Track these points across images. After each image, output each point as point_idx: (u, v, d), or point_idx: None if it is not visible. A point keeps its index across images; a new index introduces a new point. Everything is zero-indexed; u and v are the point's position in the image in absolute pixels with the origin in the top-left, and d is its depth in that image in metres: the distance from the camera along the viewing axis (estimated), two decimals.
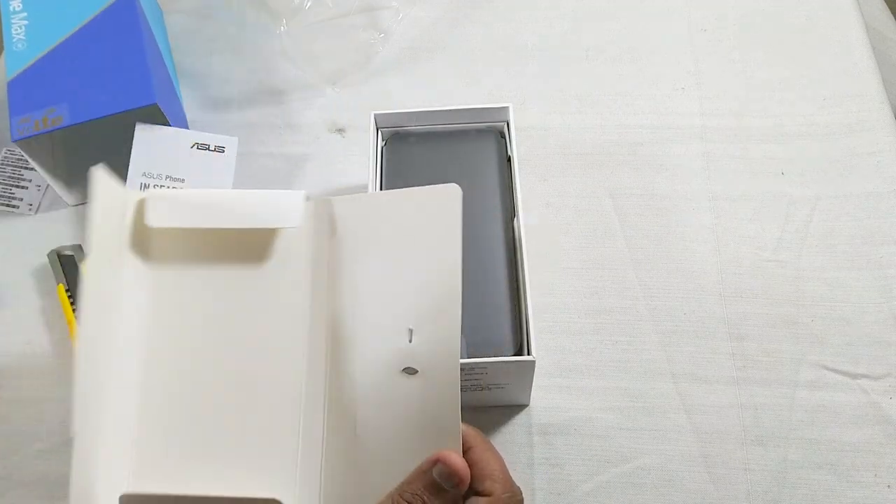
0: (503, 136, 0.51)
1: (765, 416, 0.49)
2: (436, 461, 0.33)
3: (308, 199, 0.39)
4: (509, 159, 0.50)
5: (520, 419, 0.50)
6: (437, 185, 0.37)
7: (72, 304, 0.52)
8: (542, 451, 0.49)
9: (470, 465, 0.34)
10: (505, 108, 0.50)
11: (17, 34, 0.56)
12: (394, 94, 0.64)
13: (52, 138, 0.59)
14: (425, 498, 0.33)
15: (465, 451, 0.35)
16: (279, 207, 0.38)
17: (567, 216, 0.57)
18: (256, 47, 0.67)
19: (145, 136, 0.54)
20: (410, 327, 0.36)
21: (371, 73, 0.65)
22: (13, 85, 0.54)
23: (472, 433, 0.36)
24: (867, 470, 0.47)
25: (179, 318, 0.37)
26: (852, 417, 0.49)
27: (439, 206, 0.37)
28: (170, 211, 0.37)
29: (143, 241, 0.37)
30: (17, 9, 0.57)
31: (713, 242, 0.55)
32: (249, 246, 0.38)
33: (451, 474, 0.33)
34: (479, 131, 0.51)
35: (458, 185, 0.37)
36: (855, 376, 0.50)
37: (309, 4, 0.64)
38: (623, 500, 0.47)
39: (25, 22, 0.57)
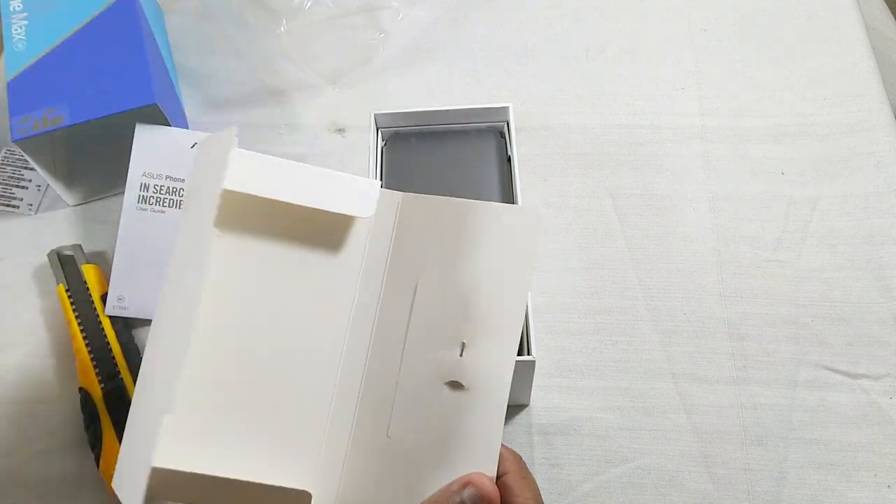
0: (503, 136, 0.51)
1: (765, 416, 0.49)
2: (467, 483, 0.32)
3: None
4: (509, 159, 0.50)
5: (520, 419, 0.50)
6: (518, 206, 0.37)
7: (72, 303, 0.52)
8: (542, 451, 0.49)
9: (502, 492, 0.33)
10: (505, 108, 0.50)
11: (18, 34, 0.56)
12: (394, 94, 0.64)
13: (52, 138, 0.59)
14: None
15: (499, 476, 0.34)
16: (354, 194, 0.37)
17: (567, 216, 0.57)
18: (256, 47, 0.67)
19: (145, 136, 0.54)
20: (464, 341, 0.35)
21: (371, 73, 0.65)
22: (13, 85, 0.54)
23: (509, 458, 0.35)
24: (867, 470, 0.47)
25: (228, 289, 0.36)
26: (852, 417, 0.49)
27: (517, 225, 0.36)
28: (247, 175, 0.35)
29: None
30: (17, 9, 0.57)
31: (713, 242, 0.55)
32: (313, 226, 0.37)
33: (480, 499, 0.32)
34: (479, 131, 0.51)
35: (538, 210, 0.36)
36: (855, 376, 0.50)
37: (309, 4, 0.64)
38: (623, 500, 0.47)
39: (25, 22, 0.57)
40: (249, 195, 0.35)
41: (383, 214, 0.38)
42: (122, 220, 0.53)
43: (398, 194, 0.38)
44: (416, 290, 0.37)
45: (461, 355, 0.35)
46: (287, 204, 0.35)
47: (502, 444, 0.34)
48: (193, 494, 0.33)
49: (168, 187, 0.54)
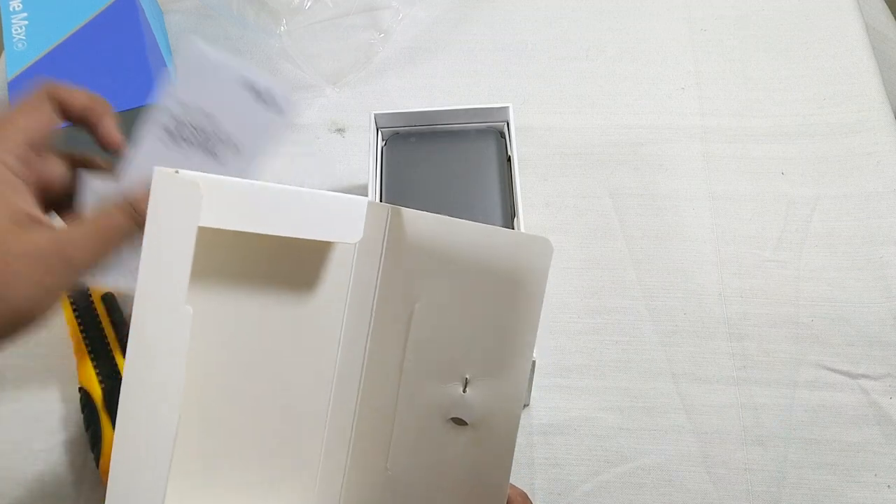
0: (503, 136, 0.51)
1: (765, 416, 0.49)
2: None
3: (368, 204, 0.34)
4: (509, 159, 0.50)
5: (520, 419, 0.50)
6: (528, 234, 0.33)
7: (72, 304, 0.52)
8: (542, 451, 0.49)
9: None
10: (505, 108, 0.50)
11: (18, 34, 0.56)
12: (394, 94, 0.64)
13: (53, 138, 0.59)
14: None
15: None
16: (338, 216, 0.33)
17: (567, 216, 0.57)
18: (256, 47, 0.67)
19: (190, 59, 0.39)
20: (467, 376, 0.33)
21: (371, 73, 0.65)
22: (13, 85, 0.54)
23: (517, 500, 0.34)
24: (867, 470, 0.47)
25: (210, 327, 0.34)
26: (852, 417, 0.49)
27: (527, 254, 0.33)
28: (218, 208, 0.31)
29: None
30: (17, 9, 0.57)
31: (713, 242, 0.55)
32: (294, 253, 0.34)
33: None
34: (479, 131, 0.51)
35: (549, 240, 0.32)
36: (855, 376, 0.50)
37: (309, 4, 0.64)
38: (623, 500, 0.47)
39: (25, 22, 0.57)
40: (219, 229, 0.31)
41: (370, 232, 0.34)
42: (141, 143, 0.40)
43: (385, 207, 0.35)
44: (412, 317, 0.34)
45: (464, 391, 0.33)
46: (263, 234, 0.32)
47: (509, 484, 0.33)
48: None
49: (201, 127, 0.39)
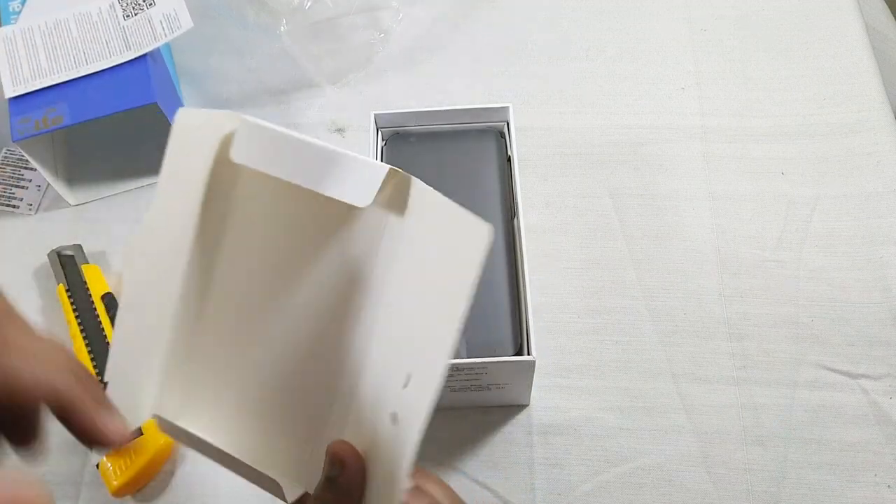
0: (503, 136, 0.51)
1: (765, 416, 0.49)
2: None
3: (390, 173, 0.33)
4: (509, 159, 0.50)
5: (520, 419, 0.50)
6: (470, 216, 0.30)
7: (72, 303, 0.52)
8: (542, 451, 0.49)
9: None
10: (505, 108, 0.50)
11: None
12: (394, 94, 0.64)
13: (53, 138, 0.59)
14: (324, 494, 0.31)
15: None
16: (356, 178, 0.32)
17: (567, 216, 0.57)
18: (256, 47, 0.67)
19: None
20: (409, 372, 0.30)
21: (371, 73, 0.65)
22: None
23: (439, 494, 0.33)
24: (867, 470, 0.47)
25: (233, 269, 0.35)
26: (852, 417, 0.49)
27: (462, 240, 0.30)
28: (257, 150, 0.34)
29: (222, 174, 0.35)
30: (16, 9, 0.57)
31: (713, 242, 0.55)
32: (323, 208, 0.33)
33: (333, 463, 0.31)
34: (479, 131, 0.51)
35: (491, 227, 0.29)
36: (855, 376, 0.50)
37: (309, 4, 0.64)
38: (623, 500, 0.47)
39: None
40: (254, 171, 0.33)
41: (393, 200, 0.33)
42: None
43: (411, 178, 0.33)
44: (385, 298, 0.33)
45: (405, 387, 0.30)
46: (290, 184, 0.32)
47: (439, 480, 0.34)
48: (193, 444, 0.35)
49: None
